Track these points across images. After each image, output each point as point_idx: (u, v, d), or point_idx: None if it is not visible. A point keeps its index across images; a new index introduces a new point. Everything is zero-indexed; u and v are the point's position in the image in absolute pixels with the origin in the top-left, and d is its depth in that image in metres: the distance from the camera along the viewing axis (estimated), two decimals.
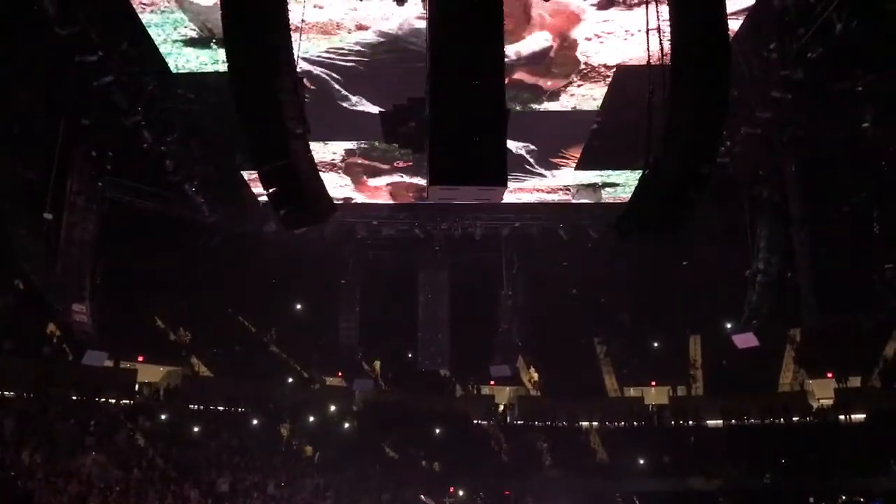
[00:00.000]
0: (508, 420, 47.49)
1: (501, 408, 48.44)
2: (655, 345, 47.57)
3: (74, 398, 32.48)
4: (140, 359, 37.51)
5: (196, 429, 34.86)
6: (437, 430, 42.97)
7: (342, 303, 45.00)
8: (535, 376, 49.54)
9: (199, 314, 40.98)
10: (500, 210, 36.93)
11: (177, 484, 30.25)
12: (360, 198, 35.18)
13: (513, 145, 29.39)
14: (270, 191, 14.06)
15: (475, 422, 46.35)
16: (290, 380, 43.11)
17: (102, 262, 33.23)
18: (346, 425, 41.90)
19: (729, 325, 42.95)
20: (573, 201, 35.21)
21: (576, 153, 30.69)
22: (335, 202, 16.91)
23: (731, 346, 40.37)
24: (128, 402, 34.98)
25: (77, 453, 29.53)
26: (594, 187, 34.10)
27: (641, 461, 40.88)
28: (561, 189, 34.30)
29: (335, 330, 44.80)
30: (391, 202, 36.14)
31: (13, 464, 27.54)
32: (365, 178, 33.39)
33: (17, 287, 33.45)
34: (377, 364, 48.38)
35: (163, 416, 34.73)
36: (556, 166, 31.79)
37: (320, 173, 15.85)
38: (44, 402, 31.33)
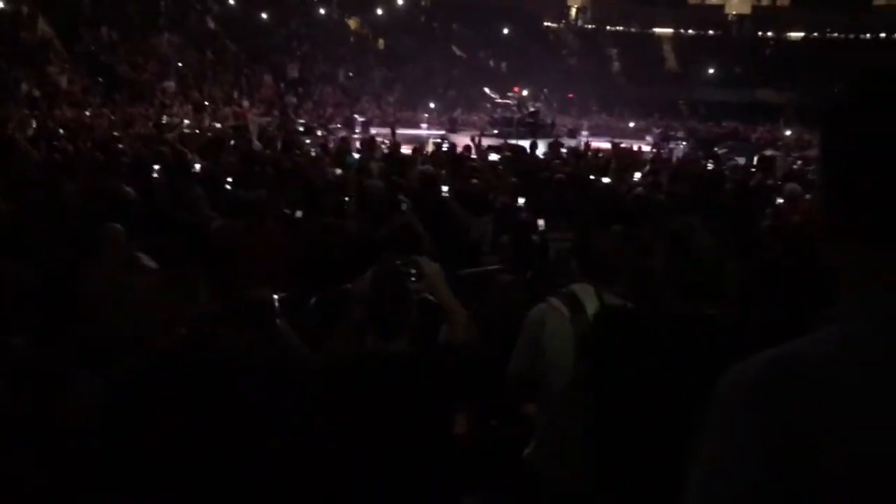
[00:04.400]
0: (580, 23, 46.15)
1: (574, 10, 46.79)
2: None
3: None
4: None
5: (264, 15, 34.79)
6: (506, 31, 42.16)
7: None
8: None
9: None
10: None
11: (249, 67, 31.19)
12: None
13: None
14: None
15: (545, 24, 45.20)
16: None
17: None
18: (415, 20, 41.34)
19: None
20: None
21: None
22: None
23: None
24: None
25: (152, 33, 30.20)
26: None
27: (712, 71, 40.17)
28: None
29: None
30: None
31: (95, 39, 28.49)
32: None
33: None
34: None
35: (231, 1, 34.52)
36: None
37: None
38: None
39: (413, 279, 3.07)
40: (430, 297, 3.11)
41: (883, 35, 39.03)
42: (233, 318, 3.09)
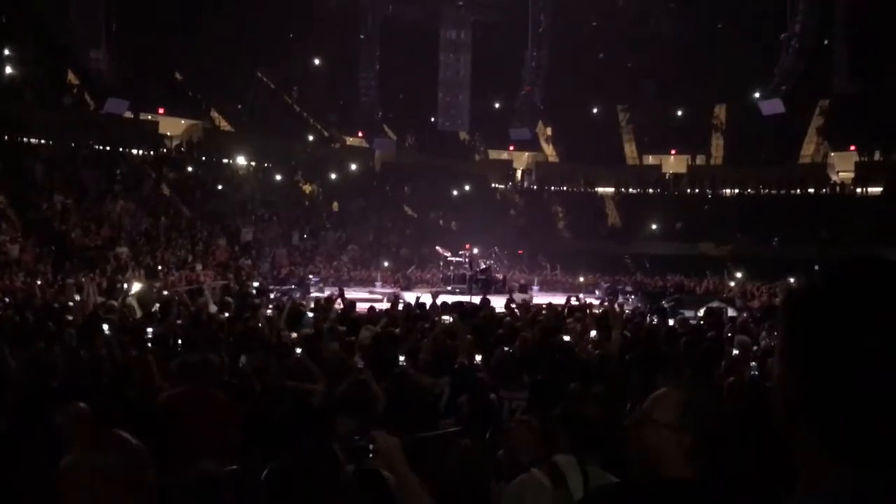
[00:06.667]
0: (525, 184, 48.12)
1: (519, 172, 48.90)
2: (679, 113, 46.74)
3: (99, 147, 32.88)
4: (160, 111, 37.45)
5: (219, 184, 35.55)
6: (455, 192, 43.70)
7: (362, 61, 44.01)
8: (552, 138, 49.43)
9: (218, 68, 40.19)
10: None
11: (203, 232, 31.45)
12: None
13: None
14: None
15: (493, 185, 47.03)
16: (311, 138, 43.22)
17: (117, 9, 32.32)
18: (367, 183, 42.62)
19: (757, 94, 41.97)
20: None
21: None
22: None
23: (757, 115, 39.76)
24: (151, 153, 35.44)
25: (106, 200, 30.50)
26: None
27: (654, 226, 41.81)
28: None
29: (355, 89, 44.23)
30: None
31: (48, 207, 28.64)
32: None
33: (32, 37, 32.94)
34: (397, 125, 48.24)
35: (188, 169, 35.34)
36: None
37: None
38: (70, 151, 31.85)
39: (370, 454, 2.87)
40: (386, 475, 2.92)
41: (811, 190, 41.47)
42: (178, 495, 2.93)
